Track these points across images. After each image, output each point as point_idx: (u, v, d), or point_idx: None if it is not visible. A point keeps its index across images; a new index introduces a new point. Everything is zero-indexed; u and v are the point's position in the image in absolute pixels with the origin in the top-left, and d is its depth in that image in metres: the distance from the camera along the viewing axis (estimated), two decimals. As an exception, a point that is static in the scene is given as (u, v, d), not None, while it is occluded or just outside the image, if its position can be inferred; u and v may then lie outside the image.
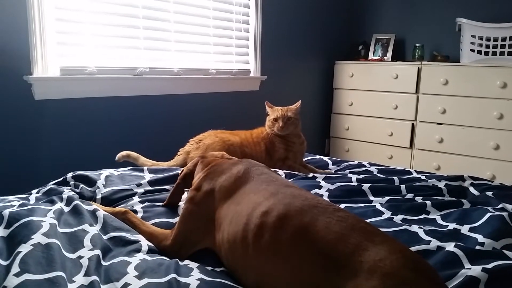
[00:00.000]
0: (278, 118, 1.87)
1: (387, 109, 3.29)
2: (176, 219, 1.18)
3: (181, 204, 1.27)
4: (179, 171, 1.55)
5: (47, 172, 1.83)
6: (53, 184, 1.39)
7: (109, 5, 2.08)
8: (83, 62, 1.99)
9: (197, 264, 0.95)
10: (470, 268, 0.90)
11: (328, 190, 1.45)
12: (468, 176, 1.62)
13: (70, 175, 1.44)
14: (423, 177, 1.64)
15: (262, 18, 2.89)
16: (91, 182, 1.41)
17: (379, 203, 1.36)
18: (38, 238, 0.92)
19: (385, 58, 3.46)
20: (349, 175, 1.67)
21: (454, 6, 3.23)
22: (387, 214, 1.27)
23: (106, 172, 1.48)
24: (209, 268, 0.95)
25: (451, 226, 1.17)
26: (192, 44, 2.50)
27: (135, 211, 1.22)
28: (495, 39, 2.81)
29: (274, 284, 0.82)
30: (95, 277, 0.85)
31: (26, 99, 1.81)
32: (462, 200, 1.38)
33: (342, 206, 1.33)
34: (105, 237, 1.04)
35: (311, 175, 1.64)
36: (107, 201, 1.32)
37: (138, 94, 2.24)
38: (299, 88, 3.38)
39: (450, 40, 3.25)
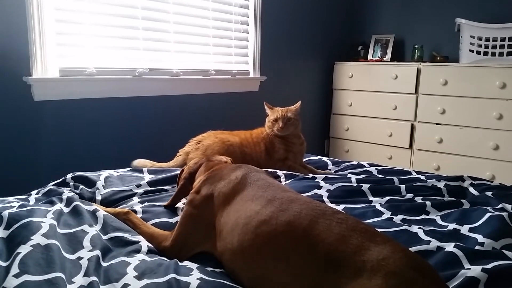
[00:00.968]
0: (278, 118, 1.87)
1: (386, 109, 3.29)
2: (176, 219, 1.18)
3: (181, 205, 1.27)
4: (179, 172, 1.55)
5: (47, 173, 1.82)
6: (52, 185, 1.38)
7: (109, 6, 2.08)
8: (82, 63, 1.99)
9: (196, 265, 0.95)
10: (469, 269, 0.90)
11: (328, 190, 1.45)
12: (468, 176, 1.62)
13: (69, 176, 1.44)
14: (422, 178, 1.64)
15: (262, 19, 2.89)
16: (91, 183, 1.40)
17: (379, 203, 1.36)
18: (37, 239, 0.92)
19: (384, 58, 3.47)
20: (349, 175, 1.67)
21: (453, 7, 3.23)
22: (387, 214, 1.27)
23: (105, 173, 1.48)
24: (209, 269, 0.95)
25: (451, 226, 1.17)
26: (192, 45, 2.50)
27: (135, 212, 1.22)
28: (494, 40, 2.82)
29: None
30: (94, 278, 0.85)
31: (26, 100, 1.81)
32: (462, 200, 1.38)
33: (342, 206, 1.33)
34: (104, 238, 1.04)
35: (310, 175, 1.64)
36: (107, 202, 1.32)
37: (137, 95, 2.24)
38: (298, 88, 3.38)
39: (449, 40, 3.25)
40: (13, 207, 1.11)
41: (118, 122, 2.17)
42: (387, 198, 1.40)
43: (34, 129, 1.85)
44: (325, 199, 1.40)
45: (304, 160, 2.01)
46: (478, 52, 2.89)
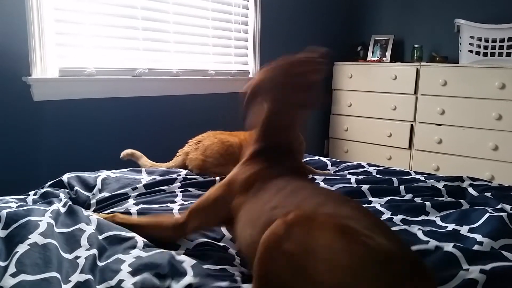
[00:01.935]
0: (277, 119, 1.87)
1: (386, 110, 3.29)
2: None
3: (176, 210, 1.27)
4: (177, 173, 1.55)
5: (46, 173, 1.82)
6: (49, 185, 1.38)
7: (108, 6, 2.08)
8: (82, 63, 1.99)
9: (194, 261, 0.96)
10: (468, 269, 0.90)
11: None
12: (467, 177, 1.62)
13: (66, 176, 1.43)
14: (422, 178, 1.64)
15: (261, 19, 2.89)
16: (87, 185, 1.40)
17: (379, 203, 1.36)
18: (35, 238, 0.92)
19: (384, 59, 3.47)
20: (348, 176, 1.67)
21: (453, 7, 3.24)
22: (387, 214, 1.27)
23: (102, 174, 1.48)
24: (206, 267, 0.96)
25: (450, 227, 1.17)
26: (191, 45, 2.50)
27: (130, 213, 1.22)
28: (494, 40, 2.82)
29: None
30: (90, 276, 0.85)
31: (25, 100, 1.81)
32: (461, 200, 1.38)
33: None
34: (100, 237, 1.03)
35: (310, 176, 1.64)
36: (102, 204, 1.32)
37: (137, 95, 2.24)
38: (298, 89, 3.38)
39: (449, 41, 3.25)
40: (12, 207, 1.11)
41: (117, 122, 2.16)
42: (386, 199, 1.40)
43: (33, 129, 1.85)
44: (325, 199, 1.39)
45: (303, 160, 2.01)
46: (478, 53, 2.89)
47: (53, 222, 1.02)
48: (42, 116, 1.87)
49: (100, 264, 0.92)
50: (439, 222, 1.23)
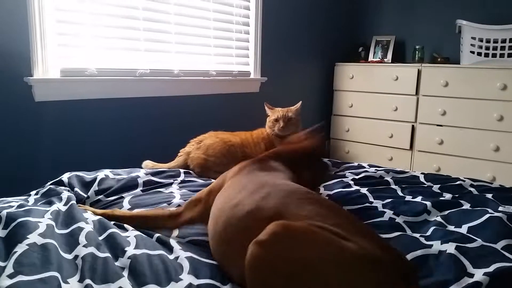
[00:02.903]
0: (278, 118, 1.88)
1: (387, 110, 3.29)
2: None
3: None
4: (176, 173, 1.56)
5: (48, 173, 1.82)
6: (50, 185, 1.39)
7: (110, 7, 2.08)
8: (83, 64, 1.99)
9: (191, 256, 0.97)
10: (471, 272, 0.90)
11: (328, 194, 1.45)
12: (468, 178, 1.62)
13: (66, 176, 1.44)
14: (422, 179, 1.64)
15: (263, 20, 2.89)
16: (86, 184, 1.41)
17: (380, 204, 1.36)
18: (33, 238, 0.92)
19: (385, 59, 3.47)
20: (349, 176, 1.67)
21: (454, 8, 3.23)
22: (388, 215, 1.27)
23: (101, 173, 1.48)
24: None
25: (451, 227, 1.17)
26: (193, 45, 2.50)
27: None
28: (495, 41, 2.82)
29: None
30: (89, 282, 0.85)
31: (27, 100, 1.81)
32: (462, 201, 1.38)
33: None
34: (100, 237, 1.04)
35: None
36: (100, 203, 1.33)
37: (138, 95, 2.24)
38: (299, 89, 3.39)
39: (450, 42, 3.25)
40: (12, 207, 1.11)
41: (119, 123, 2.17)
42: (387, 200, 1.40)
43: (34, 129, 1.85)
44: (325, 200, 1.39)
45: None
46: (479, 54, 2.89)
47: (53, 223, 1.03)
48: (43, 116, 1.88)
49: (98, 264, 0.92)
50: (439, 220, 1.22)
